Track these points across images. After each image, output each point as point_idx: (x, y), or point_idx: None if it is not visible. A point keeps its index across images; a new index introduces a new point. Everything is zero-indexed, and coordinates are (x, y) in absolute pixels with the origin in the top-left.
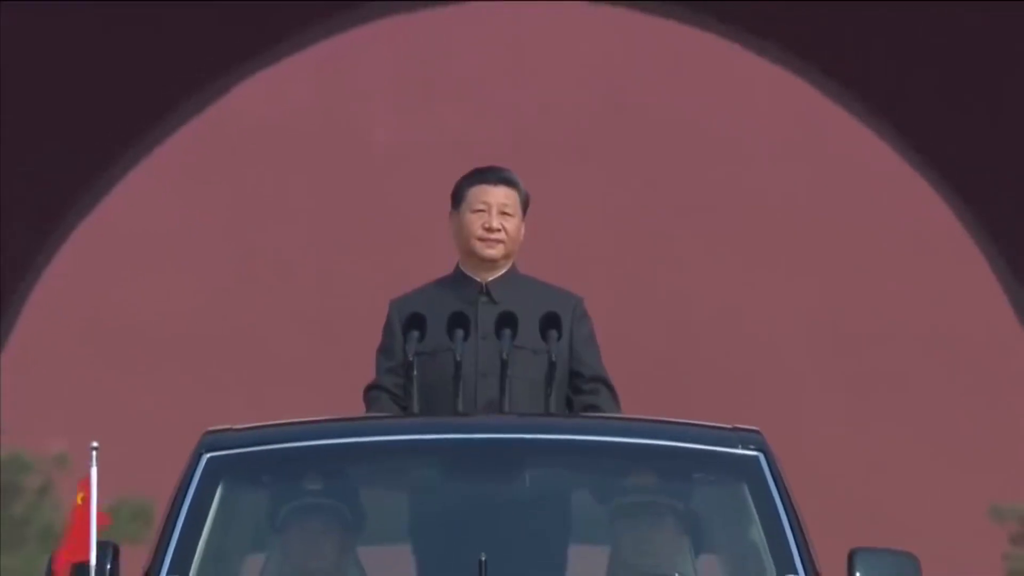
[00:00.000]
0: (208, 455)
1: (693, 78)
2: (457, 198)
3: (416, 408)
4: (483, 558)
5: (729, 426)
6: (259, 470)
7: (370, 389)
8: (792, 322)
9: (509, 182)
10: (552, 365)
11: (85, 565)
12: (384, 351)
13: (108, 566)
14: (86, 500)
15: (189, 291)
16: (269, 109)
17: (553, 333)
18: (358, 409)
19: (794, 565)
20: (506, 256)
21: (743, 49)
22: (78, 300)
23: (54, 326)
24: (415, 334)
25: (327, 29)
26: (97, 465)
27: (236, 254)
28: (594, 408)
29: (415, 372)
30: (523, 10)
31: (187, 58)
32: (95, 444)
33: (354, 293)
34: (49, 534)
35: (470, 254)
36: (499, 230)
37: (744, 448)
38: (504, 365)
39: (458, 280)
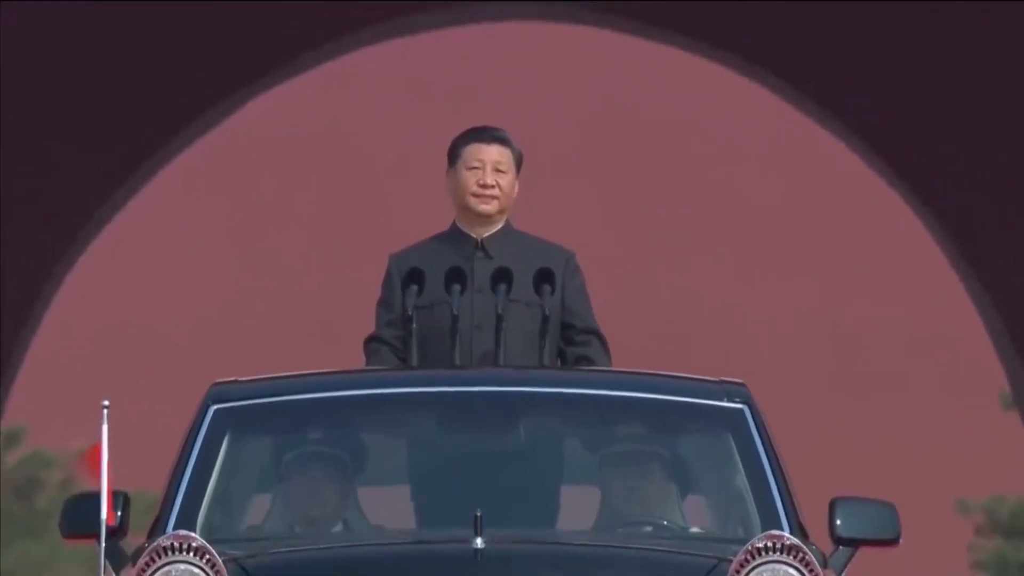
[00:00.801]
0: (215, 407)
1: (685, 97)
2: (453, 156)
3: (414, 360)
4: (478, 513)
5: (715, 379)
6: (264, 421)
7: (370, 341)
8: (774, 322)
9: (503, 140)
10: (545, 318)
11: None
12: (384, 304)
13: (119, 513)
14: (95, 449)
15: (200, 298)
16: (278, 125)
17: (546, 288)
18: (359, 361)
19: (777, 514)
20: (500, 211)
21: (731, 71)
22: (96, 306)
23: (74, 331)
24: (413, 288)
25: (333, 50)
26: (108, 423)
27: (245, 263)
28: (586, 359)
29: (413, 325)
30: (520, 32)
31: (200, 76)
32: (106, 402)
33: (358, 301)
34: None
35: (466, 210)
36: (493, 186)
37: (730, 401)
38: (499, 319)
39: (454, 236)
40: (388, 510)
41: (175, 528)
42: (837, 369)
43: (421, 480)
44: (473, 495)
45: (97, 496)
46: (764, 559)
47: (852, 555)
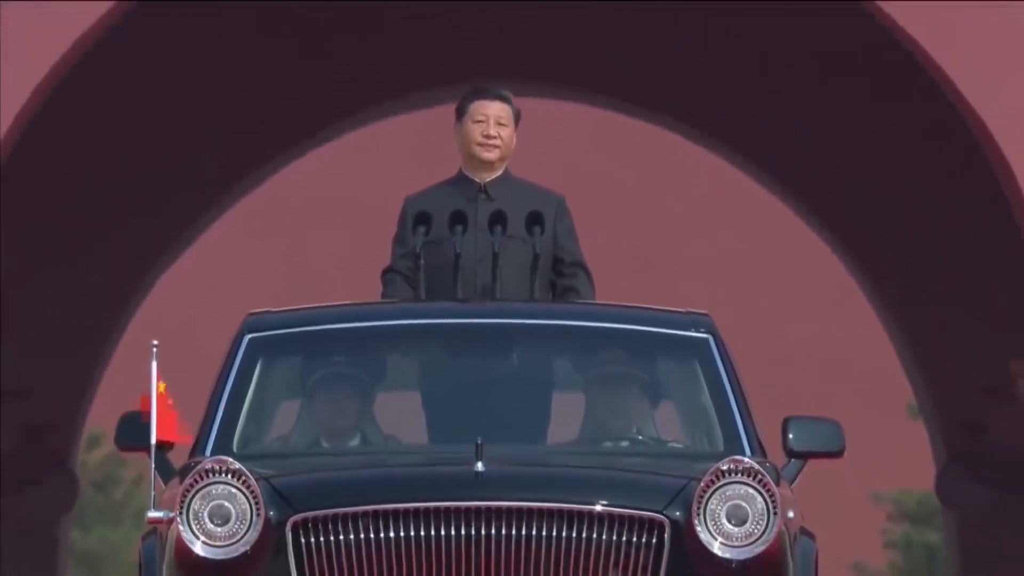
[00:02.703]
0: (249, 335)
1: (645, 164)
2: (460, 111)
3: (423, 289)
4: (479, 441)
5: (684, 311)
6: (292, 348)
7: (386, 272)
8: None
9: (504, 98)
10: (536, 256)
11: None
12: (398, 240)
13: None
14: (161, 393)
15: None
16: (316, 183)
17: (536, 229)
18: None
19: (738, 431)
20: (501, 159)
21: (684, 139)
22: (162, 331)
23: (144, 352)
24: (422, 230)
25: (362, 120)
26: (156, 360)
27: (288, 300)
28: (573, 289)
29: (421, 262)
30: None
31: (250, 141)
32: (155, 342)
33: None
34: (141, 515)
35: (471, 157)
36: (496, 137)
37: (696, 331)
38: (495, 257)
39: (461, 180)
40: (402, 423)
41: (215, 443)
42: (771, 384)
43: (431, 398)
44: (476, 411)
45: (145, 415)
46: (727, 480)
47: (802, 466)
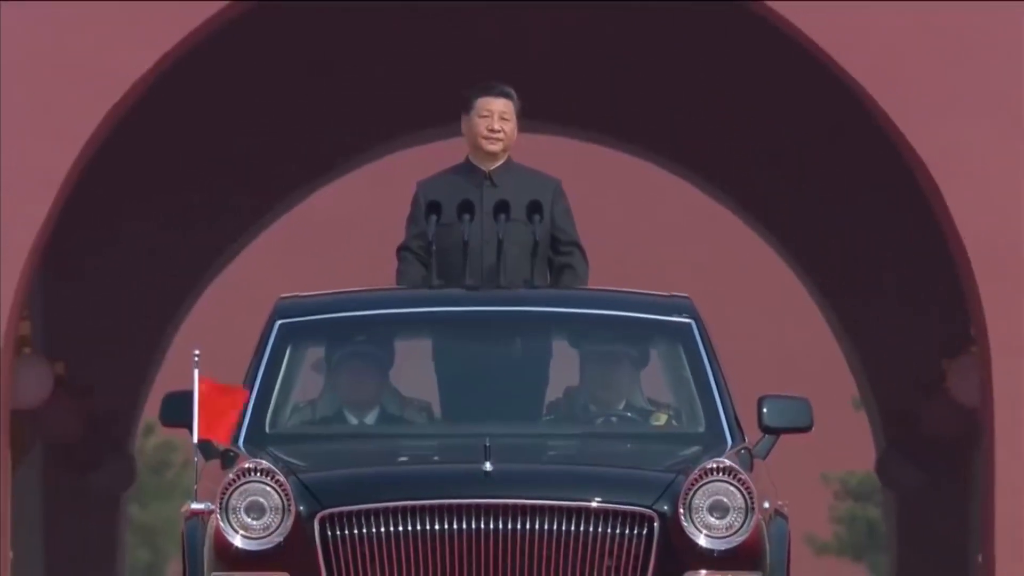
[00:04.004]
0: (280, 321)
1: (615, 190)
2: (467, 106)
3: (435, 268)
4: (487, 443)
5: (667, 295)
6: (319, 332)
7: (400, 250)
8: None
9: (507, 95)
10: (535, 243)
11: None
12: (412, 221)
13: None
14: (210, 392)
15: None
16: (344, 207)
17: (536, 217)
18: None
19: (717, 409)
20: (504, 150)
21: (654, 166)
22: (208, 332)
23: (186, 360)
24: (433, 218)
25: (386, 150)
26: (198, 367)
27: None
28: (569, 266)
29: (433, 248)
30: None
31: (284, 169)
32: (197, 352)
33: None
34: (189, 492)
35: (477, 148)
36: (499, 131)
37: (679, 316)
38: (500, 243)
39: (468, 168)
40: (418, 392)
41: (249, 424)
42: (733, 381)
43: (443, 377)
44: (483, 388)
45: (186, 394)
46: (710, 478)
47: (775, 441)
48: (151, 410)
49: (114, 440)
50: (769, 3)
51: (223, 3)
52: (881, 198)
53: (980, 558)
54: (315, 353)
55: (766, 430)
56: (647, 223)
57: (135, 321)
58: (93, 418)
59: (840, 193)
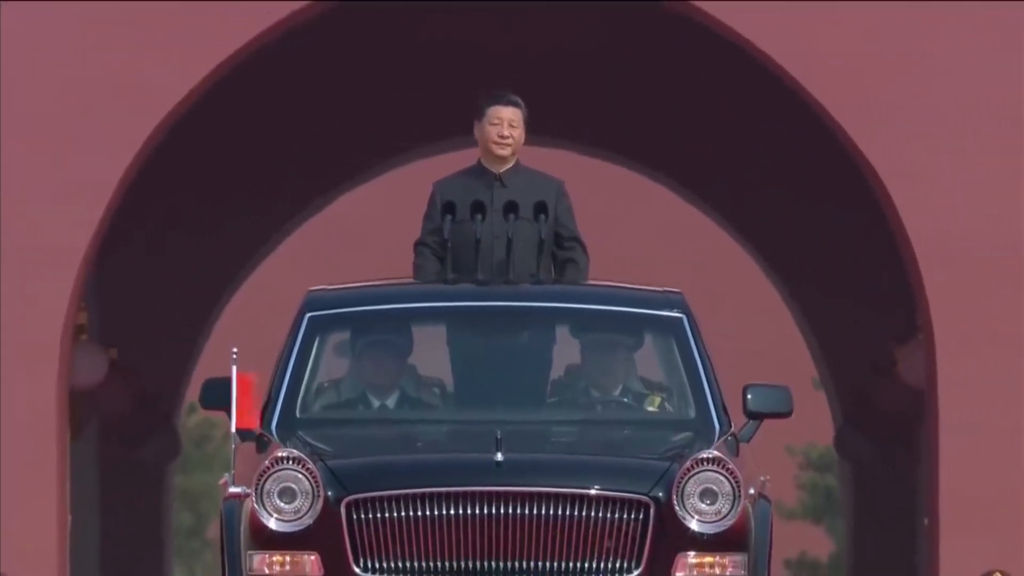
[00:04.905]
0: (309, 314)
1: (599, 197)
2: (479, 113)
3: (450, 263)
4: (499, 435)
5: (661, 290)
6: (345, 324)
7: (417, 244)
8: None
9: (515, 103)
10: (541, 241)
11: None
12: (428, 217)
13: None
14: (247, 385)
15: None
16: (365, 210)
17: (542, 217)
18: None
19: (706, 397)
20: (513, 154)
21: (630, 171)
22: (243, 323)
23: (230, 340)
24: (448, 218)
25: (407, 159)
26: (236, 364)
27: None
28: (571, 260)
29: (449, 245)
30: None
31: (311, 177)
32: (235, 350)
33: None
34: (227, 464)
35: (488, 152)
36: (508, 137)
37: (671, 311)
38: (509, 241)
39: (480, 170)
40: (433, 373)
41: (281, 409)
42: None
43: (457, 365)
44: (493, 375)
45: (223, 381)
46: (701, 468)
47: (759, 425)
48: (193, 391)
49: (161, 417)
50: (741, 31)
51: (258, 26)
52: (840, 204)
53: (926, 522)
54: (341, 342)
55: (750, 415)
56: (628, 223)
57: (179, 311)
58: (142, 398)
59: (803, 199)
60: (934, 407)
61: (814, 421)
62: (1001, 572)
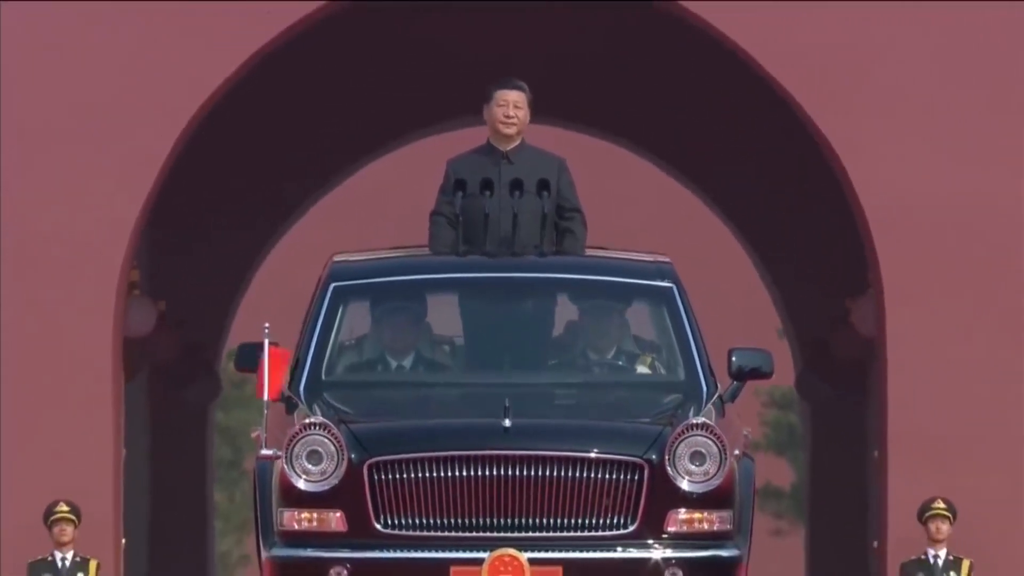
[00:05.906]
0: (334, 284)
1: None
2: (488, 97)
3: (461, 234)
4: (507, 403)
5: (652, 260)
6: (367, 293)
7: (433, 215)
8: None
9: (520, 87)
10: (544, 216)
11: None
12: (442, 191)
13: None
14: (279, 357)
15: None
16: (386, 180)
17: (545, 193)
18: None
19: (695, 361)
20: (518, 133)
21: (618, 147)
22: (270, 284)
23: (261, 300)
24: (460, 194)
25: (425, 133)
26: (268, 338)
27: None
28: (570, 231)
29: (460, 219)
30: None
31: (332, 150)
32: (267, 324)
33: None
34: (262, 403)
35: (496, 132)
36: (513, 118)
37: (662, 280)
38: (515, 216)
39: (488, 149)
40: (447, 329)
41: (309, 372)
42: None
43: (468, 329)
44: (500, 339)
45: (255, 345)
46: (691, 433)
47: (742, 386)
48: (232, 340)
49: (203, 363)
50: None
51: (293, 13)
52: (801, 173)
53: (876, 454)
54: (363, 309)
55: (735, 376)
56: (617, 196)
57: (220, 270)
58: (187, 345)
59: (771, 175)
60: (883, 353)
61: (778, 366)
62: (942, 499)
